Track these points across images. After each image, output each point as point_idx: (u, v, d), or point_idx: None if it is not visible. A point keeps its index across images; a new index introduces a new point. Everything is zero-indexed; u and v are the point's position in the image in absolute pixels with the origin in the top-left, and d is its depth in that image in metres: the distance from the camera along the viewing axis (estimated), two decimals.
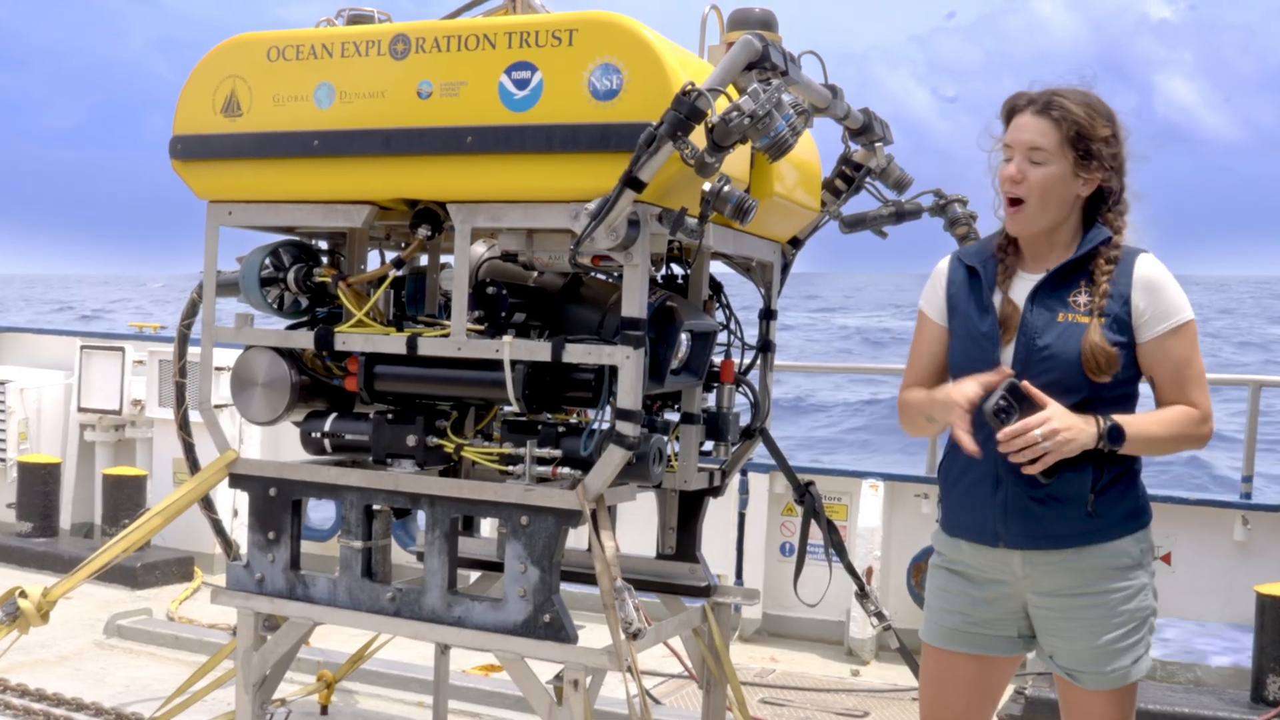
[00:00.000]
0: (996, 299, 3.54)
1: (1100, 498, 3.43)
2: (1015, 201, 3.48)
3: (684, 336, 4.28)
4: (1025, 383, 3.35)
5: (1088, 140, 3.45)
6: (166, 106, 4.48)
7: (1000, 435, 3.32)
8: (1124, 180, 3.55)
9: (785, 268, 5.09)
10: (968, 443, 3.37)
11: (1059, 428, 3.29)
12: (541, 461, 4.14)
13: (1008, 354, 3.47)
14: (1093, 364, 3.39)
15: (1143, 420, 3.42)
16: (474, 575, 5.28)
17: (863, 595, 5.23)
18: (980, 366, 3.46)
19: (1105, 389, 3.41)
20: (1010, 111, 3.53)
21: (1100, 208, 3.54)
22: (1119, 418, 3.37)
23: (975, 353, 3.52)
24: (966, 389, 3.39)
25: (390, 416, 4.40)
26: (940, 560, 3.72)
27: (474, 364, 4.17)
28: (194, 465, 5.79)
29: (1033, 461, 3.32)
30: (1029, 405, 3.33)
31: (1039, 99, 3.48)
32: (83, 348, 9.75)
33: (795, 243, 5.09)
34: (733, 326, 4.83)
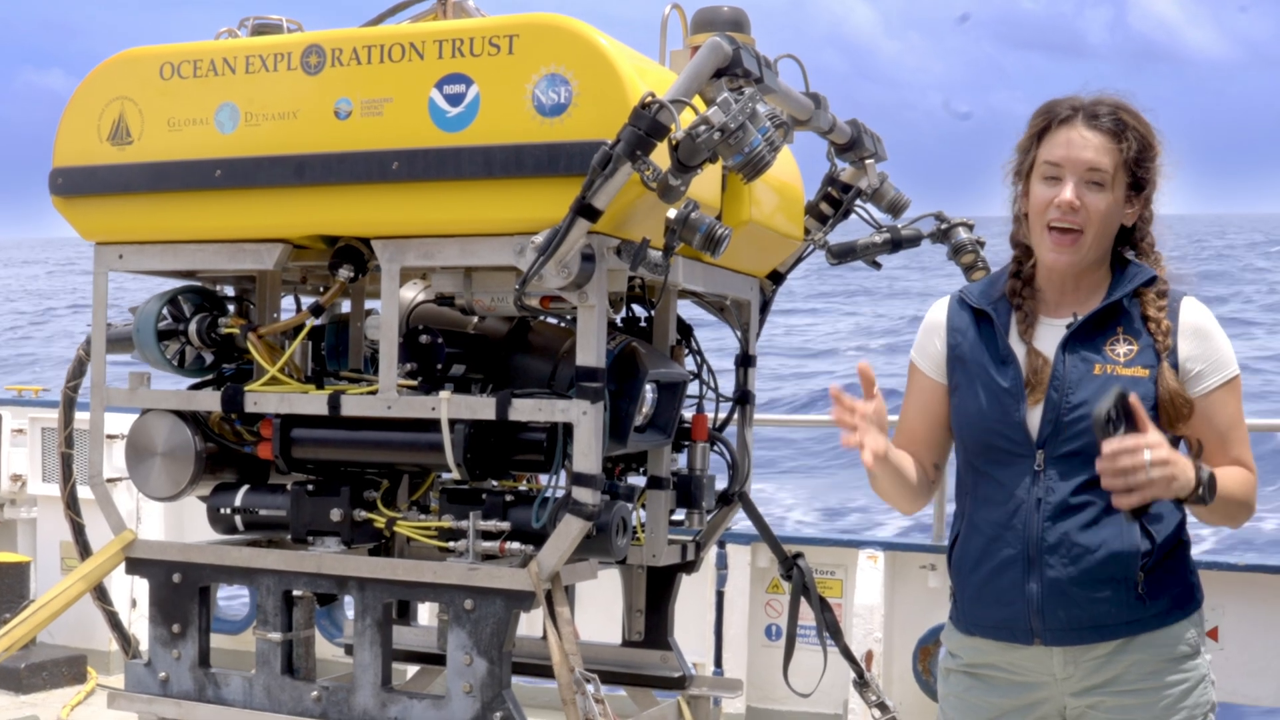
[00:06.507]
0: (1019, 349, 3.43)
1: (1150, 577, 3.32)
2: (1066, 231, 3.34)
3: (649, 388, 4.27)
4: (1135, 398, 3.10)
5: (1147, 163, 3.38)
6: None
7: (1106, 447, 3.06)
8: (1153, 208, 3.48)
9: (765, 306, 5.08)
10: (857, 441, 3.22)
11: (1169, 457, 3.07)
12: (487, 536, 4.11)
13: (1035, 413, 3.36)
14: (1173, 413, 3.30)
15: (1224, 477, 3.26)
16: (411, 669, 5.24)
17: (862, 684, 5.20)
18: (1000, 427, 3.39)
19: None
20: (1049, 123, 3.38)
21: (1132, 239, 3.47)
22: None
23: (994, 411, 3.41)
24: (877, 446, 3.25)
25: (311, 488, 4.37)
26: (955, 663, 3.56)
27: (407, 425, 4.16)
28: (84, 549, 5.71)
29: (1129, 492, 3.07)
30: (1133, 427, 3.08)
31: (1093, 108, 3.36)
32: None
33: (776, 277, 5.08)
34: (705, 375, 4.81)
